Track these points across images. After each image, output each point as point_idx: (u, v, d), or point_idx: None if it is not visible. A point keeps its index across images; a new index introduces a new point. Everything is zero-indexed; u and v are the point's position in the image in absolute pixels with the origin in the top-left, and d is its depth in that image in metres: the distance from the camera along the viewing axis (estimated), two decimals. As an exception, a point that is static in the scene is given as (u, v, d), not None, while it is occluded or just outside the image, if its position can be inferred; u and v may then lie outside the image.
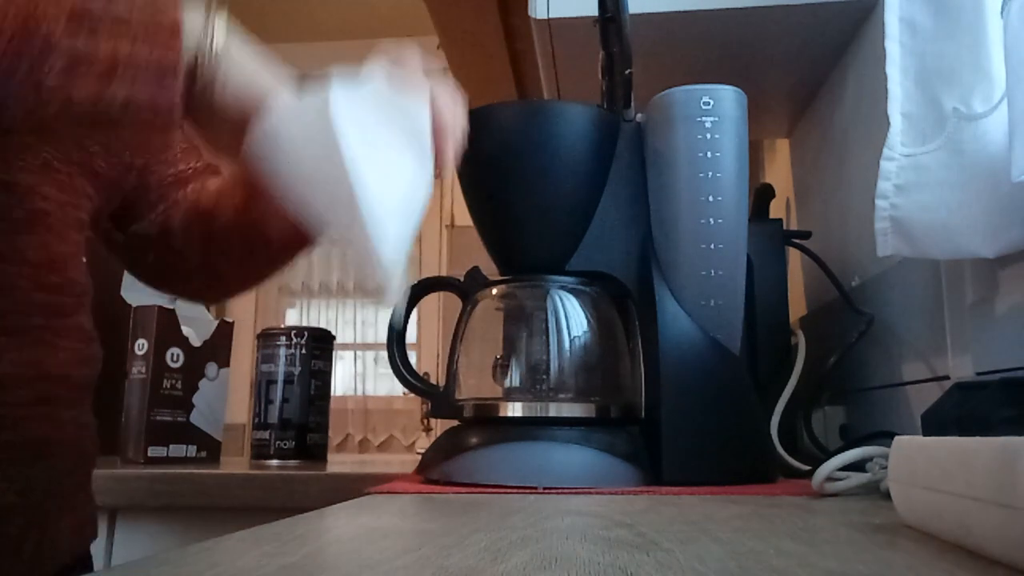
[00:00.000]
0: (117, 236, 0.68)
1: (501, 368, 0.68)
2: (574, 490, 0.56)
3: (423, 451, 0.71)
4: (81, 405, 0.59)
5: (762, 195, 0.94)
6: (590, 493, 0.54)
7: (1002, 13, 0.46)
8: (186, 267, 0.69)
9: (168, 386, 1.07)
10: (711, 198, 0.62)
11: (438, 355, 3.64)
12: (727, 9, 0.79)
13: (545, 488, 0.56)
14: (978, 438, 0.27)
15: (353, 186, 0.43)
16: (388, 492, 0.55)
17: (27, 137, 0.52)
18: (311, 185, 0.45)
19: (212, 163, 0.73)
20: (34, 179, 0.52)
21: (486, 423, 0.65)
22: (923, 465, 0.31)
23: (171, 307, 1.07)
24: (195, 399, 1.11)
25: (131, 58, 0.40)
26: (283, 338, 1.13)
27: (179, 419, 1.08)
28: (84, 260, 0.59)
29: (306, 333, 1.13)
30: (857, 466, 0.50)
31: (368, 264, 0.45)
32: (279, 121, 0.44)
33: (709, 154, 0.63)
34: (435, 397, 0.71)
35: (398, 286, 0.45)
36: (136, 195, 0.66)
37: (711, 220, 0.62)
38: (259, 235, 0.63)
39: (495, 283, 0.70)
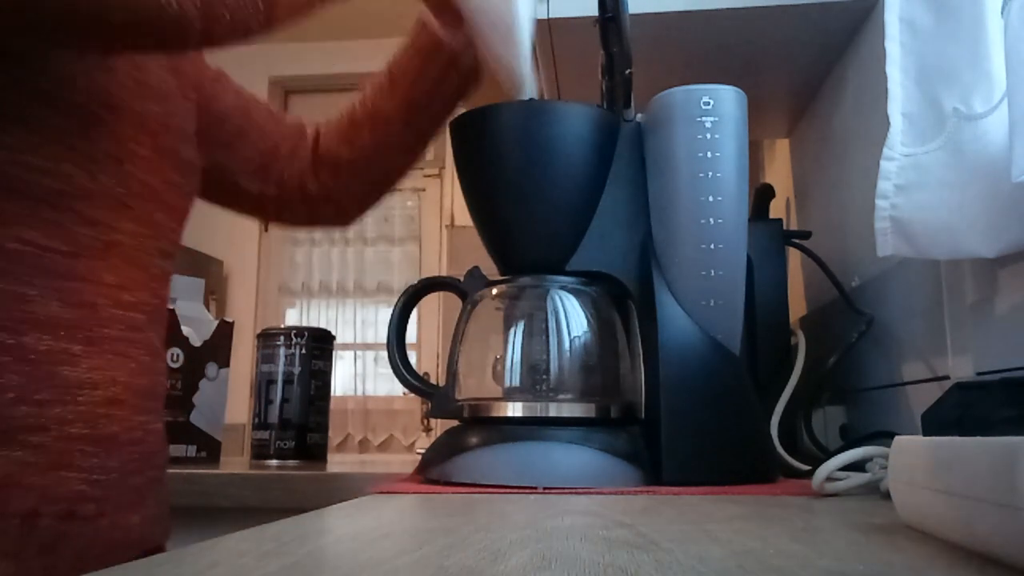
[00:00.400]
0: (270, 191, 0.86)
1: (501, 368, 0.68)
2: (574, 490, 0.56)
3: (423, 451, 0.70)
4: (149, 412, 0.66)
5: (762, 195, 0.94)
6: (590, 493, 0.54)
7: (1002, 13, 0.46)
8: (357, 178, 0.88)
9: (168, 386, 1.07)
10: (711, 198, 0.62)
11: (438, 355, 3.64)
12: (727, 9, 0.79)
13: (545, 488, 0.56)
14: (978, 438, 0.27)
15: (515, 16, 0.67)
16: (388, 492, 0.55)
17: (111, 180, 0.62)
18: (487, 15, 0.69)
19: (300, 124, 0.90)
20: (112, 216, 0.62)
21: (486, 423, 0.65)
22: (923, 465, 0.31)
23: (171, 307, 1.07)
24: (195, 399, 1.11)
25: None
26: (283, 338, 1.13)
27: (179, 419, 1.08)
28: (162, 282, 0.69)
29: (306, 333, 1.13)
30: (857, 466, 0.50)
31: (513, 75, 0.69)
32: None
33: (709, 154, 0.63)
34: (435, 397, 0.71)
35: (531, 84, 0.69)
36: (268, 155, 0.85)
37: (711, 220, 0.62)
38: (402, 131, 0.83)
39: (495, 283, 0.70)
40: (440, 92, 0.82)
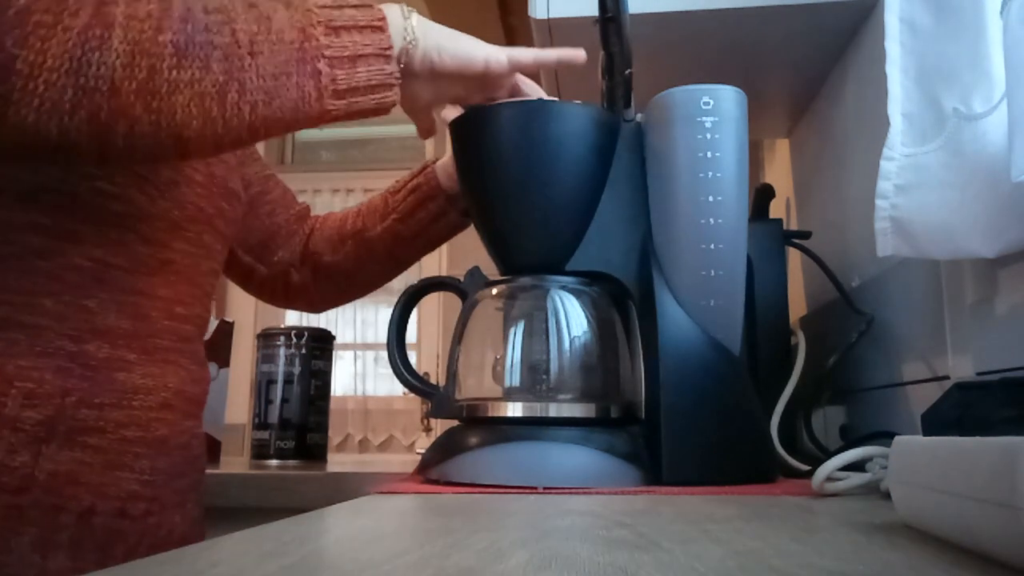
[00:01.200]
0: (260, 269, 0.88)
1: (501, 368, 0.68)
2: (574, 490, 0.56)
3: (423, 451, 0.70)
4: (195, 417, 0.71)
5: (762, 195, 0.94)
6: (590, 493, 0.54)
7: (1002, 13, 0.46)
8: (333, 281, 0.89)
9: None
10: (711, 198, 0.62)
11: (438, 355, 3.64)
12: (727, 9, 0.79)
13: (545, 488, 0.56)
14: (978, 438, 0.27)
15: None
16: (388, 492, 0.55)
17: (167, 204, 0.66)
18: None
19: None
20: (167, 236, 0.66)
21: (486, 423, 0.65)
22: (923, 465, 0.31)
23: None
24: (195, 399, 1.10)
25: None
26: (283, 338, 1.13)
27: (179, 419, 1.08)
28: (209, 298, 0.73)
29: (306, 333, 1.13)
30: (857, 466, 0.50)
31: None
32: None
33: (709, 154, 0.63)
34: (435, 397, 0.71)
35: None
36: (269, 233, 0.87)
37: (711, 220, 0.62)
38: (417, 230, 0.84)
39: (495, 283, 0.70)
40: (427, 232, 0.84)
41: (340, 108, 0.57)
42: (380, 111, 0.60)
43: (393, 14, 0.61)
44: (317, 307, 0.94)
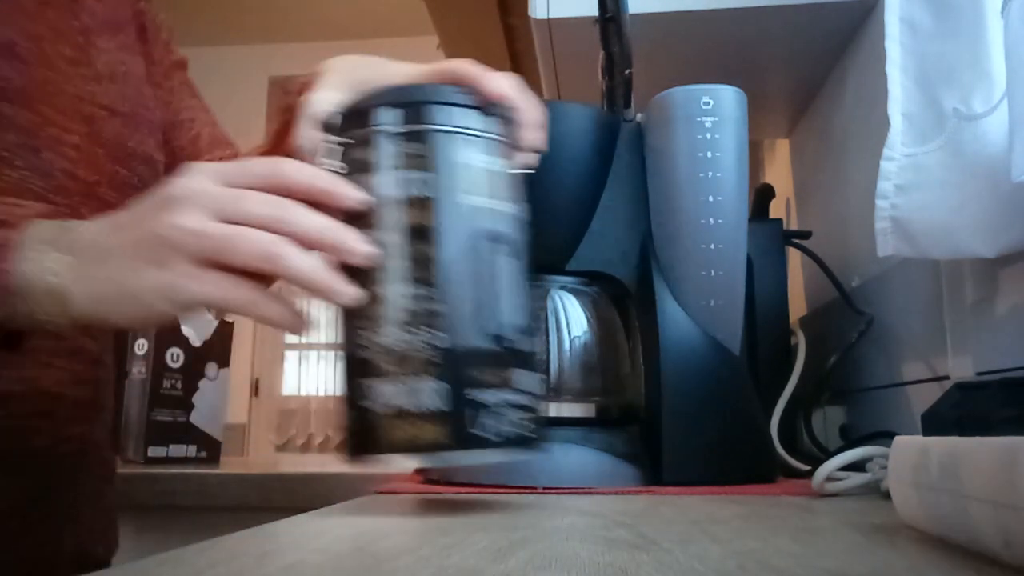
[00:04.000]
0: None
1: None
2: (574, 490, 0.56)
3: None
4: (88, 422, 0.61)
5: (762, 195, 0.94)
6: (590, 493, 0.54)
7: (1002, 13, 0.46)
8: None
9: (168, 386, 1.07)
10: (711, 198, 0.62)
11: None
12: (727, 9, 0.79)
13: (545, 488, 0.56)
14: (978, 438, 0.27)
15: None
16: (388, 492, 0.55)
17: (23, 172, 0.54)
18: None
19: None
20: (26, 211, 0.53)
21: (486, 423, 0.64)
22: (923, 465, 0.31)
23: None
24: (195, 399, 1.11)
25: None
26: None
27: (179, 419, 1.08)
28: None
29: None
30: (857, 466, 0.50)
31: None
32: None
33: (709, 154, 0.63)
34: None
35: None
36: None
37: (711, 220, 0.62)
38: None
39: (495, 283, 0.70)
40: None
41: None
42: None
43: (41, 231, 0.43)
44: None
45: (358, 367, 0.41)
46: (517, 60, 2.31)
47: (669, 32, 0.83)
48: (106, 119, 0.61)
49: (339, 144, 0.43)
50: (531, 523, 0.37)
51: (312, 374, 4.05)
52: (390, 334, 0.40)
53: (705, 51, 0.87)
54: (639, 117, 0.68)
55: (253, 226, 0.40)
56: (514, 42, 2.20)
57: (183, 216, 0.40)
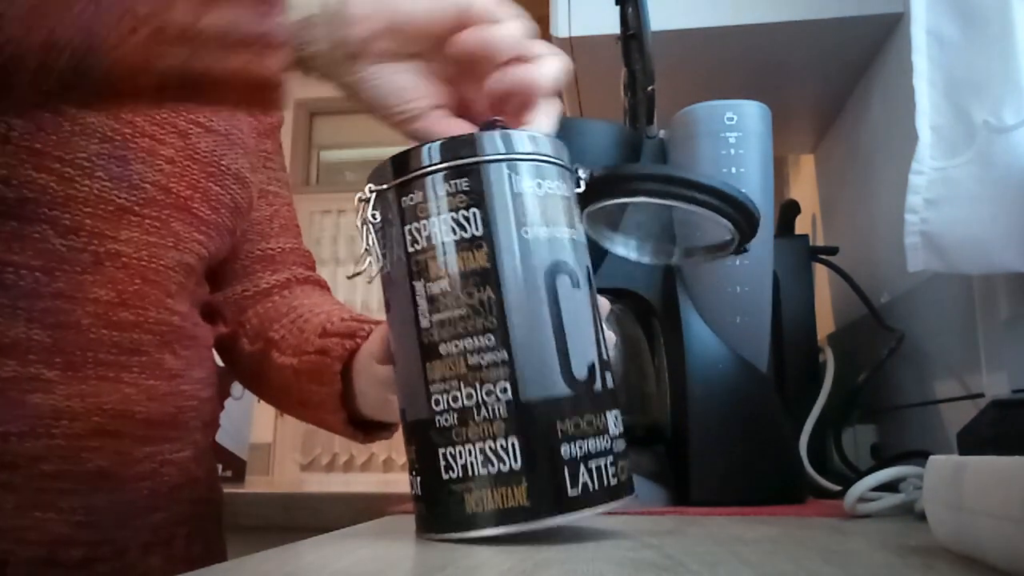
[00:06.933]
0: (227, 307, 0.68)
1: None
2: (599, 510, 0.55)
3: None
4: (161, 442, 0.57)
5: (787, 211, 0.93)
6: (616, 513, 0.54)
7: (1032, 23, 0.45)
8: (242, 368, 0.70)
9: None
10: (736, 214, 0.62)
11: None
12: (750, 25, 0.78)
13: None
14: (1016, 457, 0.26)
15: None
16: (409, 512, 0.55)
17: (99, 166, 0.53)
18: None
19: (314, 277, 0.72)
20: (103, 224, 0.53)
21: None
22: (959, 485, 0.30)
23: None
24: (220, 418, 1.11)
25: None
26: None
27: (205, 438, 1.08)
28: (178, 298, 0.59)
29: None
30: (889, 487, 0.49)
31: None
32: None
33: (733, 170, 0.62)
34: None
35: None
36: (225, 261, 0.67)
37: (736, 236, 0.62)
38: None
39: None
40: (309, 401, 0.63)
41: (177, 57, 0.39)
42: (252, 85, 0.41)
43: None
44: (244, 382, 0.73)
45: (427, 433, 0.38)
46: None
47: (691, 48, 0.83)
48: (201, 135, 0.60)
49: (390, 192, 0.41)
50: (556, 543, 0.37)
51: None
52: (461, 393, 0.37)
53: (728, 67, 0.87)
54: (662, 134, 0.68)
55: None
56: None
57: None
